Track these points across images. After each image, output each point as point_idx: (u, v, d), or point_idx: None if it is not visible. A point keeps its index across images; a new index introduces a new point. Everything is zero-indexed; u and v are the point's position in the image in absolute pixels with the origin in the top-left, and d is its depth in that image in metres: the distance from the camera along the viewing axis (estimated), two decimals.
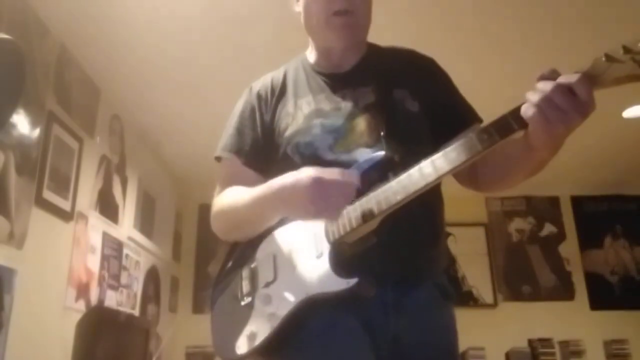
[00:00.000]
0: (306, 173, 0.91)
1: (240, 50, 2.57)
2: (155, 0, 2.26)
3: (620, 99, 3.13)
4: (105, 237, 2.87)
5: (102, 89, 2.89)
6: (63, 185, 2.43)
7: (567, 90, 0.76)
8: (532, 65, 2.60)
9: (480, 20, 2.43)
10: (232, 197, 1.10)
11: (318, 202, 0.89)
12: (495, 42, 2.61)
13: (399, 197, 0.89)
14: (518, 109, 0.82)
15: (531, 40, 2.58)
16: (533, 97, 0.79)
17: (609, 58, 0.75)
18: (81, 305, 2.53)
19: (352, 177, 0.91)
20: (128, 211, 3.26)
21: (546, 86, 0.78)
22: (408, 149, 1.00)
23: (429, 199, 0.95)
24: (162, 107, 3.16)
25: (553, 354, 4.12)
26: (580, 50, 2.33)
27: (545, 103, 0.77)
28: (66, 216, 2.44)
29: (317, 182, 0.89)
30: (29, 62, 2.17)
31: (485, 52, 2.68)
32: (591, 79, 0.77)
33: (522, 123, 0.81)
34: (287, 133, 1.10)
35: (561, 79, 0.78)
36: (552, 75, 0.80)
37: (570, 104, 0.76)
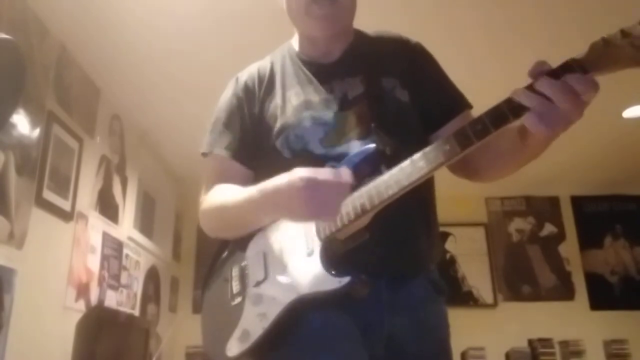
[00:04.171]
0: (298, 174, 0.87)
1: (241, 49, 2.55)
2: (156, 0, 2.27)
3: (620, 99, 3.12)
4: (105, 237, 2.87)
5: (102, 89, 2.88)
6: (63, 185, 2.43)
7: (568, 90, 0.74)
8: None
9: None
10: (223, 196, 1.06)
11: (313, 203, 0.85)
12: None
13: (391, 192, 0.86)
14: (512, 98, 0.79)
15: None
16: (529, 98, 0.76)
17: (607, 42, 0.73)
18: (81, 305, 2.53)
19: (346, 176, 0.88)
20: (128, 211, 3.25)
21: (545, 87, 0.75)
22: (399, 140, 0.97)
23: (421, 192, 0.93)
24: (162, 107, 3.16)
25: (553, 354, 4.11)
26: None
27: (543, 104, 0.75)
28: (66, 216, 2.44)
29: (311, 183, 0.85)
30: (29, 62, 2.16)
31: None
32: (588, 65, 0.74)
33: (517, 113, 0.78)
34: (277, 126, 1.07)
35: (566, 78, 0.74)
36: (541, 67, 0.77)
37: (569, 103, 0.74)
